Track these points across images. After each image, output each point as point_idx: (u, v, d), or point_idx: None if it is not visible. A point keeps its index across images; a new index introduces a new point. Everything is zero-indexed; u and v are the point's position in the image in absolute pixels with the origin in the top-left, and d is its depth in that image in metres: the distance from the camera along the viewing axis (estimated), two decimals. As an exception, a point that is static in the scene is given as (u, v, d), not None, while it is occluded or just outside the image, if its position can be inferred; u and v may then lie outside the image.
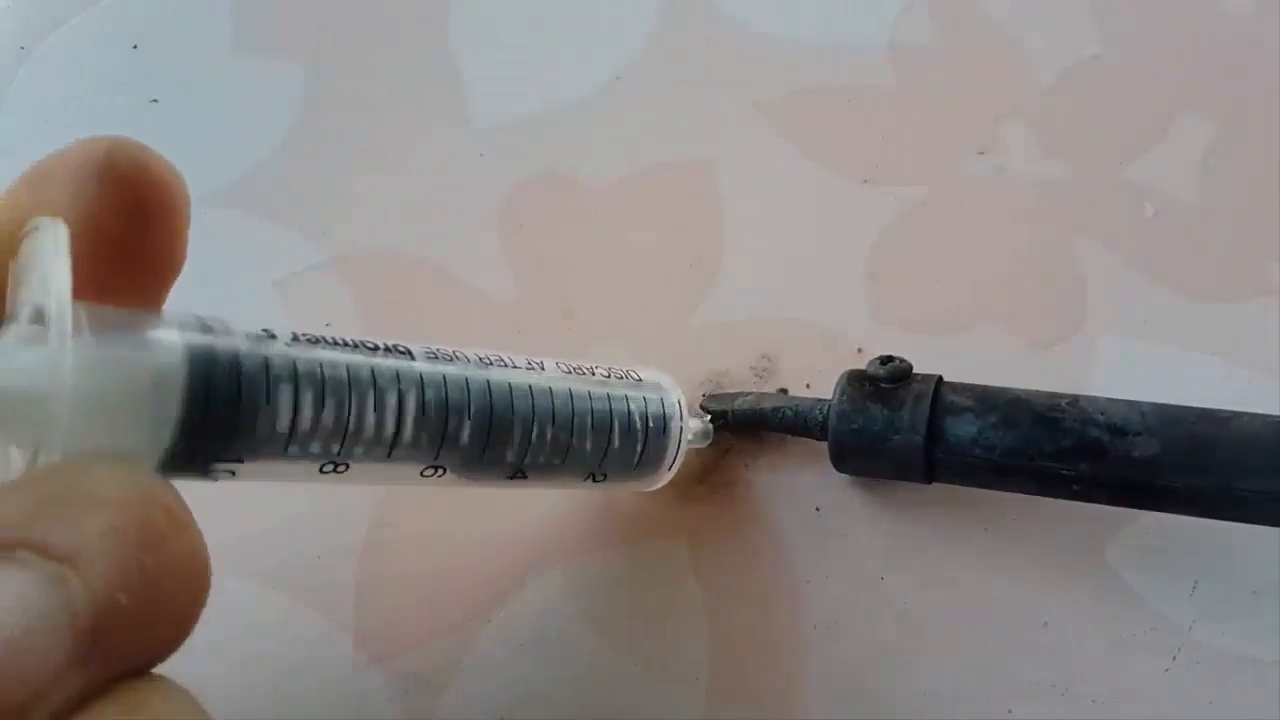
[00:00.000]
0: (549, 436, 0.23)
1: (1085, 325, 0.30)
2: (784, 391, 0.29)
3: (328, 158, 0.33)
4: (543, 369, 0.23)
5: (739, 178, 0.33)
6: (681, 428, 0.26)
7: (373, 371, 0.19)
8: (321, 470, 0.19)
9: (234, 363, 0.17)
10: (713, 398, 0.29)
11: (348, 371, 0.19)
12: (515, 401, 0.22)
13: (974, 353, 0.29)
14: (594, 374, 0.24)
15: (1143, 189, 0.32)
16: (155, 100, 0.35)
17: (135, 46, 0.36)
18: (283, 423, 0.18)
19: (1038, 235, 0.31)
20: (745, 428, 0.28)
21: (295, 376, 0.18)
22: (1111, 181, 0.32)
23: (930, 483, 0.26)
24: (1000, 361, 0.29)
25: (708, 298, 0.31)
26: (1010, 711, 0.26)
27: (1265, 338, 0.29)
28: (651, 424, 0.25)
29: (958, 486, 0.27)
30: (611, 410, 0.24)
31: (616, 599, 0.27)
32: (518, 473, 0.23)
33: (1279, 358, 0.29)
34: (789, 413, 0.27)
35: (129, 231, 0.18)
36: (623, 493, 0.28)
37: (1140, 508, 0.26)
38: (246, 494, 0.29)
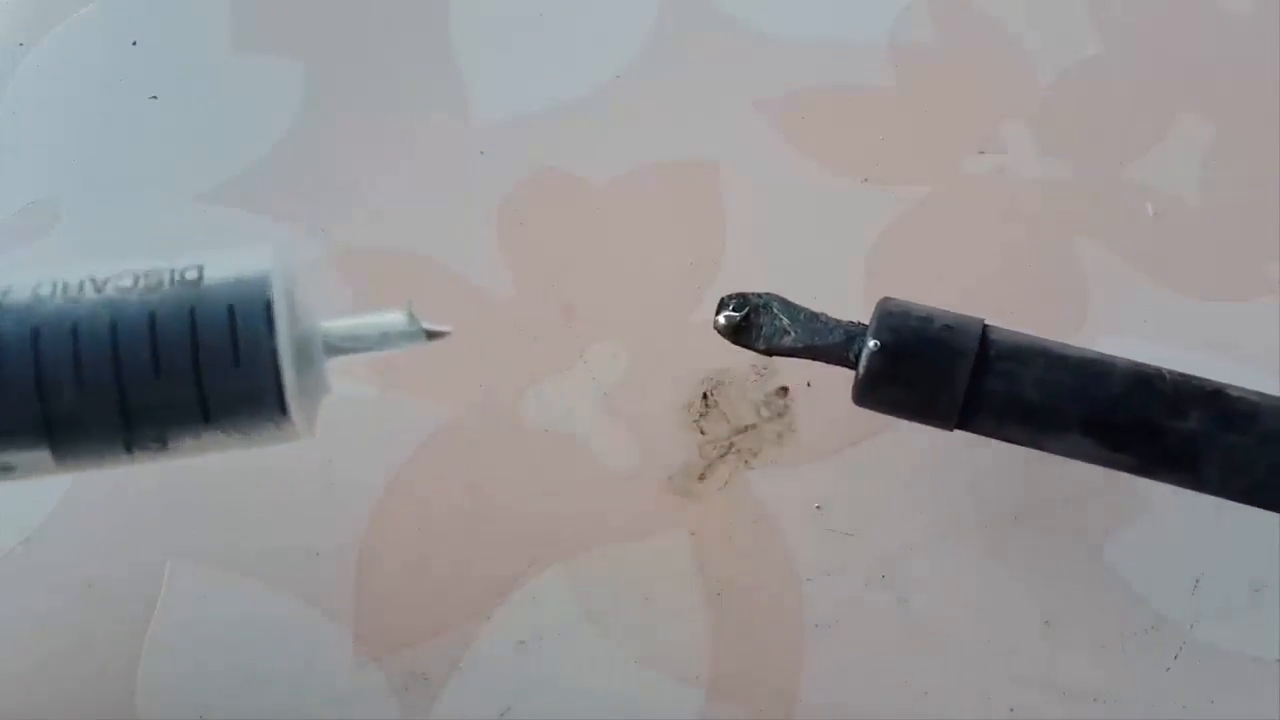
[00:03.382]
0: None
1: (1085, 325, 0.30)
2: (784, 390, 0.29)
3: (328, 155, 0.33)
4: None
5: (739, 177, 0.33)
6: (271, 315, 0.17)
7: None
8: None
9: None
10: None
11: None
12: None
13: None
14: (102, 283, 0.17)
15: (1143, 189, 0.32)
16: (155, 97, 0.34)
17: (135, 43, 0.35)
18: None
19: (1038, 235, 0.31)
20: (771, 317, 0.26)
21: None
22: (1112, 181, 0.32)
23: (955, 427, 0.24)
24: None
25: (708, 296, 0.31)
26: (1011, 711, 0.25)
27: (1265, 338, 0.29)
28: (203, 324, 0.16)
29: (959, 481, 0.27)
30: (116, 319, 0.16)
31: (617, 597, 0.27)
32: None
33: (1279, 358, 0.29)
34: (822, 320, 0.26)
35: None
36: (249, 445, 0.18)
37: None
38: (246, 492, 0.29)
